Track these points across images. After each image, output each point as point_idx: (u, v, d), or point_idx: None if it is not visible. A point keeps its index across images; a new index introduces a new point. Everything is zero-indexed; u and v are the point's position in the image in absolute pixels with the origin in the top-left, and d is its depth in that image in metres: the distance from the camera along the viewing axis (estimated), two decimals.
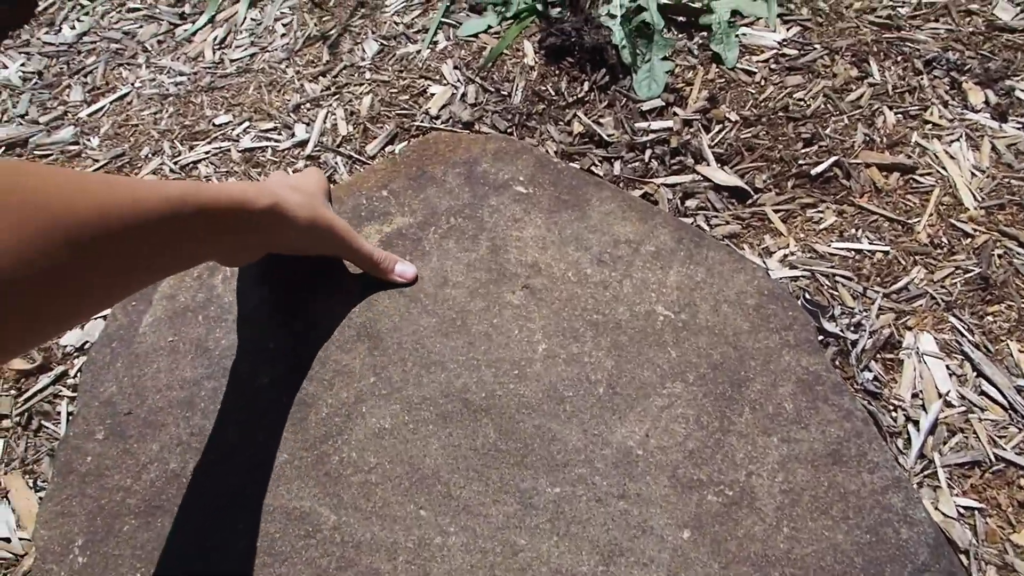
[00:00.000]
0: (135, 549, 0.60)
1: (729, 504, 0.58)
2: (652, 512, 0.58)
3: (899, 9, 1.03)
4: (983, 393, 0.67)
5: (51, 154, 0.98)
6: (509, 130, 0.95)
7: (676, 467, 0.60)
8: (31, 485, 0.69)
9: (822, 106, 0.92)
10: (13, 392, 0.75)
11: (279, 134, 0.97)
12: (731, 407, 0.63)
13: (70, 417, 0.73)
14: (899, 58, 0.96)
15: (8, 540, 0.66)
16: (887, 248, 0.78)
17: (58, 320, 0.43)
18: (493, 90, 0.99)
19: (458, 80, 1.00)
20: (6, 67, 1.15)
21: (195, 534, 0.60)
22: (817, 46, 0.99)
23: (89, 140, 0.99)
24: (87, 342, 0.78)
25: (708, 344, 0.67)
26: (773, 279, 0.70)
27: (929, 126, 0.88)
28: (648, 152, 0.93)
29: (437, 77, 1.01)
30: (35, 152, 0.99)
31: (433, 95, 0.99)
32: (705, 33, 1.03)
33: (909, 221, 0.80)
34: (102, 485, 0.64)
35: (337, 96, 1.01)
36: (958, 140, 0.86)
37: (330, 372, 0.68)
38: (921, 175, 0.83)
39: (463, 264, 0.73)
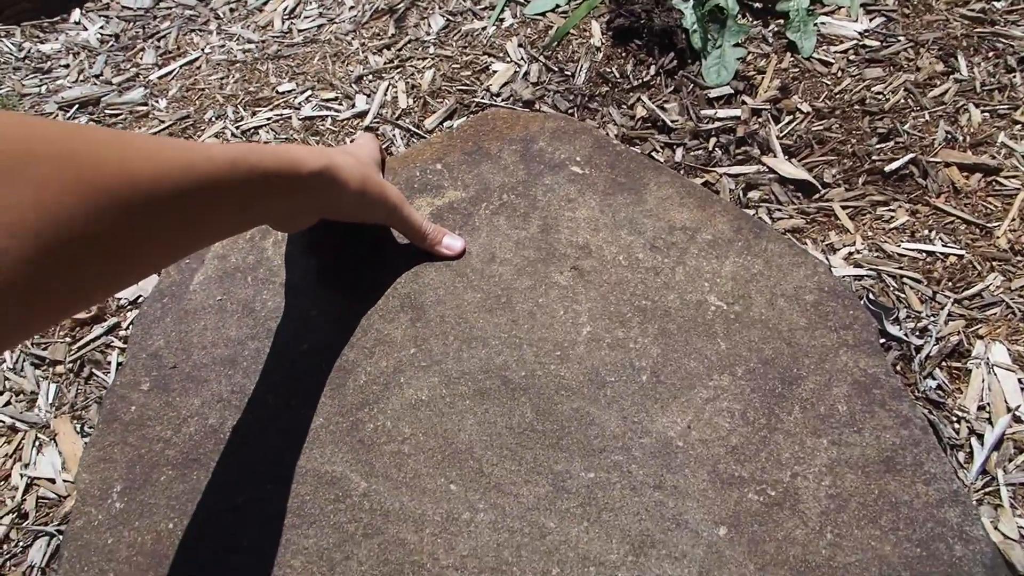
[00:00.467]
0: (170, 499, 0.61)
1: (770, 504, 0.56)
2: (688, 506, 0.56)
3: (994, 3, 0.97)
4: None
5: (121, 114, 1.00)
6: (570, 111, 0.93)
7: (717, 462, 0.58)
8: (78, 430, 0.71)
9: (902, 101, 0.87)
10: (68, 340, 0.77)
11: (340, 104, 0.97)
12: (780, 404, 0.60)
13: (119, 367, 0.75)
14: (990, 54, 0.90)
15: (53, 481, 0.68)
16: (962, 252, 0.73)
17: (108, 282, 0.44)
18: (556, 70, 0.97)
19: (522, 58, 0.99)
20: (86, 29, 1.18)
21: (228, 490, 0.61)
22: (901, 38, 0.94)
23: (158, 102, 1.01)
24: (140, 296, 0.80)
25: (760, 338, 0.64)
26: (835, 276, 0.66)
27: (1019, 126, 0.83)
28: (712, 140, 0.90)
29: (501, 54, 1.00)
30: (106, 111, 1.01)
31: (495, 72, 0.97)
32: (782, 20, 0.99)
33: (989, 225, 0.75)
34: (143, 435, 0.65)
35: (400, 69, 1.00)
36: None
37: (371, 340, 0.67)
38: (1006, 177, 0.78)
39: (512, 241, 0.72)
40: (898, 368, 0.67)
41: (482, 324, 0.67)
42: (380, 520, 0.58)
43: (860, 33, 0.96)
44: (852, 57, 0.94)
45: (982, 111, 0.84)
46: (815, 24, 0.97)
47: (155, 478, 0.62)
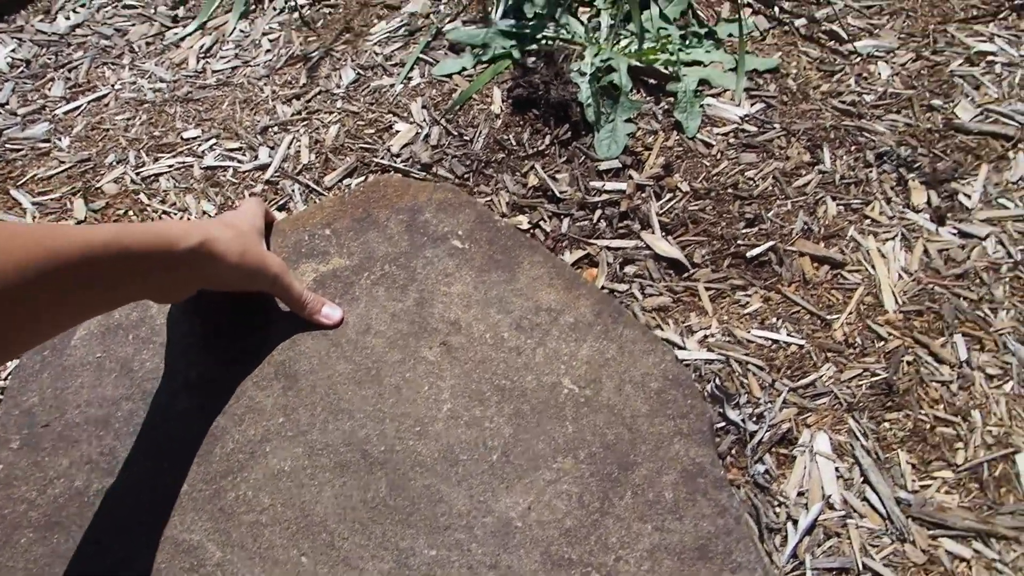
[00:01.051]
0: (27, 563, 0.63)
1: None
2: None
3: (865, 96, 1.05)
4: (865, 499, 0.70)
5: (22, 150, 1.01)
6: (466, 175, 0.98)
7: (551, 543, 0.63)
8: None
9: (770, 188, 0.94)
10: None
11: (243, 155, 0.99)
12: (615, 489, 0.65)
13: None
14: (852, 148, 0.98)
15: None
16: (802, 342, 0.80)
17: None
18: (456, 134, 1.01)
19: (424, 120, 1.03)
20: None
21: (87, 556, 0.63)
22: (776, 125, 1.01)
23: (60, 140, 1.02)
24: None
25: (605, 423, 0.69)
26: (680, 364, 0.72)
27: (868, 221, 0.90)
28: (598, 212, 0.95)
29: (405, 114, 1.04)
30: (7, 145, 1.02)
31: (398, 132, 1.01)
32: (672, 99, 1.05)
33: (828, 317, 0.82)
34: (8, 495, 0.66)
35: (306, 122, 1.03)
36: (894, 239, 0.88)
37: (243, 407, 0.70)
38: (849, 271, 0.86)
39: (388, 314, 0.76)
40: (733, 452, 0.73)
41: (350, 396, 0.71)
42: None
43: (741, 117, 1.03)
44: (732, 140, 1.00)
45: (838, 204, 0.92)
46: (701, 105, 1.04)
47: (15, 540, 0.64)
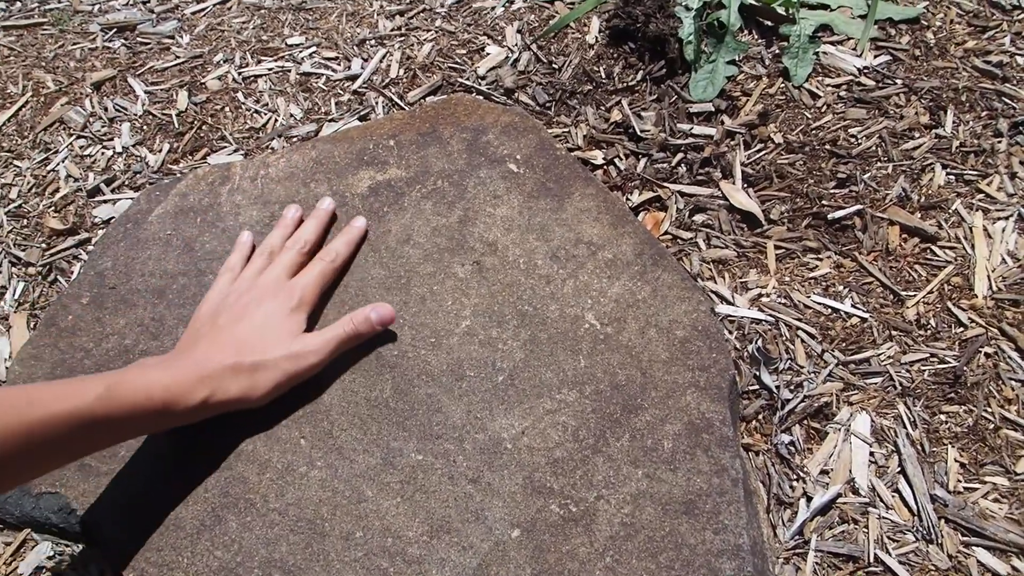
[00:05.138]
0: None
1: (568, 519, 0.59)
2: (494, 504, 0.60)
3: (1017, 59, 0.92)
4: (897, 490, 0.63)
5: (149, 43, 1.09)
6: (548, 104, 0.95)
7: (535, 470, 0.62)
8: (30, 327, 0.81)
9: (873, 148, 0.85)
10: (43, 245, 0.87)
11: (338, 64, 1.02)
12: (613, 430, 0.63)
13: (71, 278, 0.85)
14: (984, 113, 0.86)
15: None
16: (867, 315, 0.73)
17: None
18: (545, 61, 0.98)
19: (516, 44, 1.01)
20: None
21: None
22: (899, 81, 0.91)
23: (182, 37, 1.09)
24: (112, 218, 0.89)
25: (619, 363, 0.66)
26: (713, 316, 0.68)
27: (981, 196, 0.80)
28: (679, 156, 0.90)
29: (499, 38, 1.02)
30: (138, 39, 1.10)
31: (488, 55, 1.00)
32: (785, 43, 0.97)
33: (904, 293, 0.74)
34: (71, 343, 0.74)
35: (403, 38, 1.04)
36: (1007, 219, 0.77)
37: None
38: (942, 246, 0.76)
39: (430, 227, 0.76)
40: (759, 417, 0.68)
41: (378, 300, 0.72)
42: (234, 458, 0.65)
43: (859, 69, 0.93)
44: (842, 93, 0.91)
45: (948, 173, 0.82)
46: (815, 53, 0.94)
47: None
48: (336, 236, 0.75)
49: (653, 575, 0.56)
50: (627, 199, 0.87)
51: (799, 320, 0.73)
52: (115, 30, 1.12)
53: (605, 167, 0.91)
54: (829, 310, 0.74)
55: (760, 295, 0.76)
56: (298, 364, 0.63)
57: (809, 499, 0.63)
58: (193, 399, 0.56)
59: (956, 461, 0.64)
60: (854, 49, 0.95)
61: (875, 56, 0.94)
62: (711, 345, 0.66)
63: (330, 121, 0.96)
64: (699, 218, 0.85)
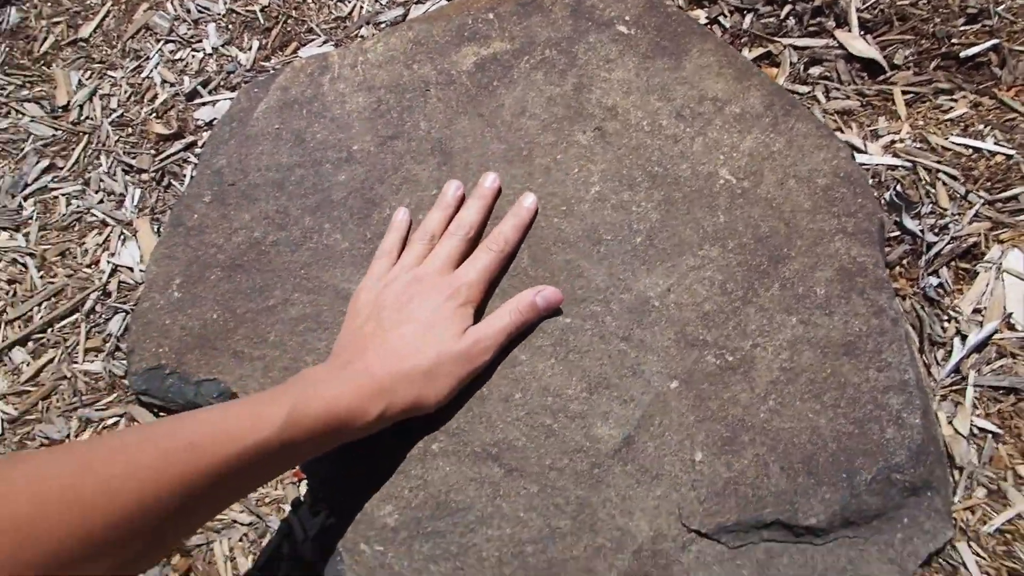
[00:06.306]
0: (216, 295, 0.72)
1: (725, 368, 0.60)
2: (648, 359, 0.61)
3: None
4: None
5: None
6: None
7: (686, 324, 0.62)
8: (154, 231, 0.83)
9: None
10: (152, 151, 0.88)
11: None
12: (761, 280, 0.62)
13: (189, 180, 0.86)
14: None
15: (131, 269, 0.81)
16: (1012, 151, 0.69)
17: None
18: None
19: None
20: None
21: (262, 293, 0.71)
22: None
23: None
24: (215, 119, 0.89)
25: (761, 215, 0.65)
26: (855, 163, 0.65)
27: None
28: (787, 8, 0.86)
29: None
30: None
31: None
32: None
33: None
34: (201, 240, 0.75)
35: None
36: None
37: (400, 178, 0.73)
38: None
39: (545, 97, 0.74)
40: (904, 262, 0.67)
41: (500, 174, 0.71)
42: None
43: None
44: None
45: None
46: None
47: (206, 276, 0.73)
48: (504, 219, 0.67)
49: (818, 415, 0.57)
50: None
51: (939, 163, 0.70)
52: None
53: (709, 26, 0.87)
54: (970, 150, 0.71)
55: (893, 141, 0.73)
56: (468, 367, 0.59)
57: (964, 337, 0.62)
58: (371, 414, 0.53)
59: None
60: None
61: None
62: (856, 191, 0.64)
63: (417, 3, 0.93)
64: (815, 71, 0.81)
